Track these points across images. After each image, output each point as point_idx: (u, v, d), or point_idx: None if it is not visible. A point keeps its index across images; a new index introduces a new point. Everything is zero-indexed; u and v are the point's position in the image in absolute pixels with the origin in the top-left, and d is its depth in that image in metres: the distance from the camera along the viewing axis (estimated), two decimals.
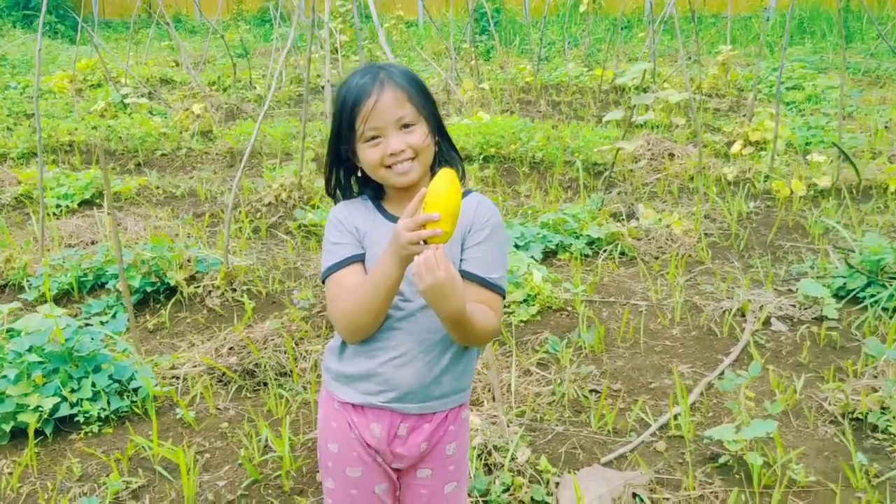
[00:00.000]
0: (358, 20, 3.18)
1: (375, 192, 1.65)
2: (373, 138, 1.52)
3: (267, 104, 4.11)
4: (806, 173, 5.74)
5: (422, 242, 1.37)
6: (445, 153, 1.64)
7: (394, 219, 1.57)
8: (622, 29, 12.14)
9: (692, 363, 3.37)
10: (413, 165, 1.54)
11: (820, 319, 3.68)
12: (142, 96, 8.71)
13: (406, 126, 1.52)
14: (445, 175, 1.41)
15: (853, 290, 3.84)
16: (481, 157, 6.34)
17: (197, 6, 15.58)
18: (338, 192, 1.69)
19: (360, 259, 1.60)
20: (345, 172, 1.65)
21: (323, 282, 1.64)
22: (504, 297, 1.62)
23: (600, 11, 13.55)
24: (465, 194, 1.57)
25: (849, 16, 12.86)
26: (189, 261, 4.14)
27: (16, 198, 5.63)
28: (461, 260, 1.57)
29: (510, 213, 5.16)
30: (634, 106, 5.05)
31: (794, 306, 3.79)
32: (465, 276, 1.55)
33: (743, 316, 3.76)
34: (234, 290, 4.07)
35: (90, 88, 9.91)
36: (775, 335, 3.59)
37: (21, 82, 10.19)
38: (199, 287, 4.04)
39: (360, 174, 1.61)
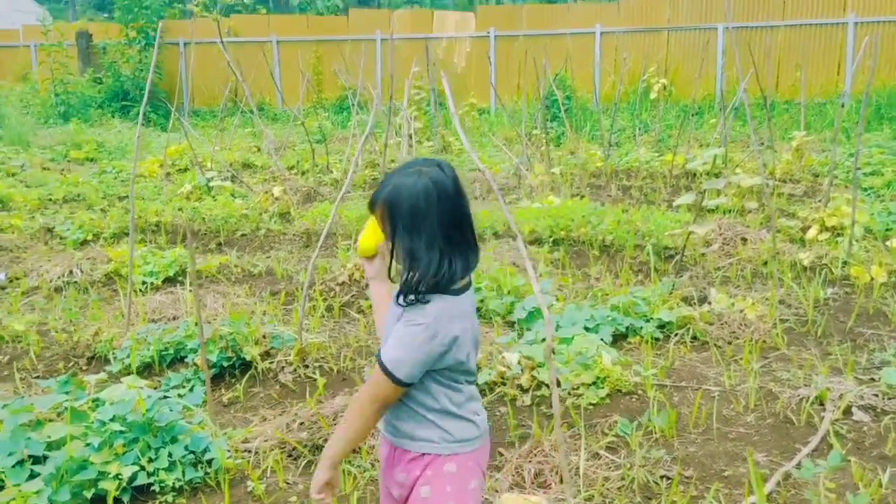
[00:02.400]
0: (434, 108, 3.34)
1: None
2: None
3: (346, 188, 4.29)
4: (886, 259, 5.59)
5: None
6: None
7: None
8: (693, 115, 12.21)
9: (768, 451, 3.27)
10: None
11: None
12: (225, 180, 9.15)
13: None
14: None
15: None
16: (551, 239, 6.40)
17: (279, 96, 16.41)
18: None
19: None
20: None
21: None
22: (387, 375, 1.74)
23: (671, 98, 13.72)
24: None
25: None
26: (264, 337, 4.27)
27: (106, 274, 5.94)
28: None
29: (579, 296, 5.16)
30: (705, 190, 5.06)
31: (876, 396, 3.65)
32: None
33: (821, 404, 3.64)
34: (307, 366, 4.17)
35: (178, 172, 10.46)
36: (857, 425, 3.46)
37: (116, 167, 10.86)
38: (272, 363, 4.16)
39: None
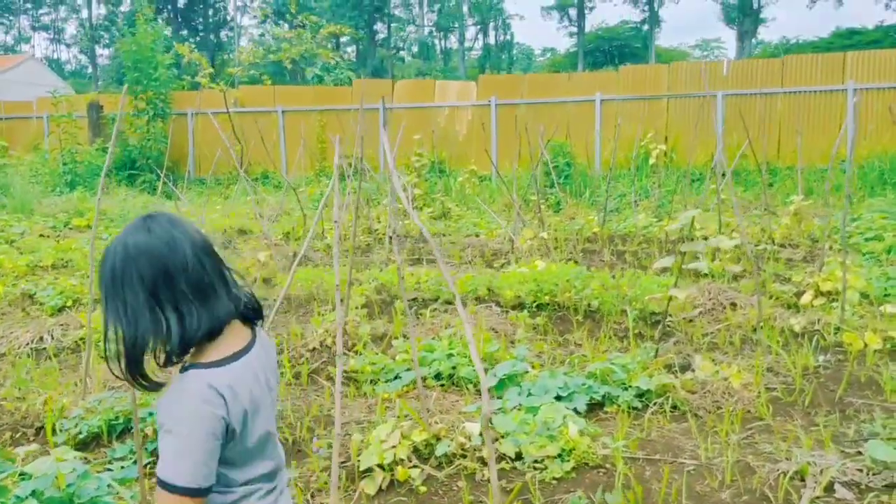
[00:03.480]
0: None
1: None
2: None
3: (303, 250, 4.16)
4: (881, 326, 5.35)
5: None
6: None
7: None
8: (694, 181, 12.13)
9: None
10: None
11: (891, 487, 3.26)
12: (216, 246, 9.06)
13: None
14: None
15: None
16: (534, 304, 6.21)
17: (283, 166, 16.56)
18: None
19: None
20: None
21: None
22: (175, 492, 1.49)
23: (672, 164, 13.67)
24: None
25: None
26: None
27: (76, 341, 5.79)
28: None
29: (557, 362, 4.95)
30: (684, 253, 4.88)
31: (861, 471, 3.39)
32: None
33: (802, 480, 3.38)
34: None
35: None
36: (839, 503, 3.19)
37: (112, 233, 10.85)
38: None
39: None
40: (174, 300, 1.52)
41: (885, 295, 6.29)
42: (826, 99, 13.73)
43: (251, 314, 1.69)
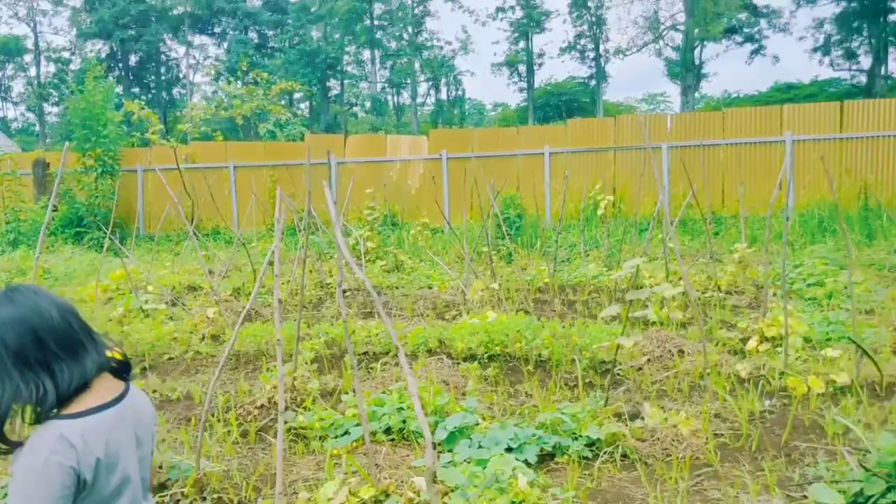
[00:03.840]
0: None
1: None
2: None
3: (249, 306, 4.11)
4: (824, 369, 5.46)
5: None
6: None
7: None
8: (641, 231, 12.35)
9: None
10: None
11: None
12: (166, 303, 8.92)
13: None
14: None
15: (872, 496, 3.47)
16: (485, 355, 6.20)
17: (235, 221, 16.44)
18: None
19: None
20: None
21: None
22: None
23: (620, 215, 13.94)
24: None
25: (869, 214, 12.97)
26: (161, 467, 3.97)
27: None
28: None
29: (507, 413, 4.93)
30: (631, 301, 4.95)
31: None
32: None
33: None
34: (205, 498, 3.85)
35: (122, 296, 10.21)
36: None
37: (58, 293, 10.57)
38: (166, 495, 3.83)
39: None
40: (45, 361, 1.59)
41: (827, 339, 6.45)
42: (765, 150, 14.22)
43: (121, 367, 1.77)
